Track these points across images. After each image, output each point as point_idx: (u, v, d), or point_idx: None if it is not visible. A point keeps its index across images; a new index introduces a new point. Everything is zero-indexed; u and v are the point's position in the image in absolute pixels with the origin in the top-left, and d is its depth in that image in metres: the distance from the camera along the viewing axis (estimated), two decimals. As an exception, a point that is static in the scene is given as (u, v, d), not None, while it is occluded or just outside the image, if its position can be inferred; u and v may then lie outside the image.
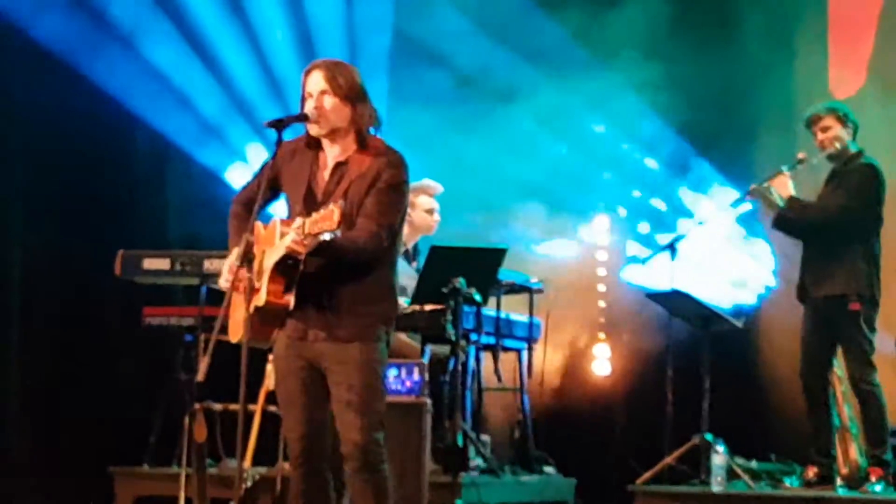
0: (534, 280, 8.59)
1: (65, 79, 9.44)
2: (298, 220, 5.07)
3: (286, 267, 5.19)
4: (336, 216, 4.87)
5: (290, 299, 5.23)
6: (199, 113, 10.12)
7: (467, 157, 9.87)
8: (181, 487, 7.22)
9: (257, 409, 6.83)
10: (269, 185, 5.41)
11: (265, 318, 5.27)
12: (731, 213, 8.99)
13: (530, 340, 8.69)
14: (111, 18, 9.75)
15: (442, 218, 8.44)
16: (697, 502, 7.89)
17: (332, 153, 5.39)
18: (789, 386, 8.75)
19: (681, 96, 9.83)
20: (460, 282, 7.57)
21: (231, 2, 10.27)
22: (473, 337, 8.05)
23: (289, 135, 5.40)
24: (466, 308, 7.75)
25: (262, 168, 5.47)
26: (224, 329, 5.23)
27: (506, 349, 8.55)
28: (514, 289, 8.46)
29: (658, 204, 10.47)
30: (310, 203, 5.29)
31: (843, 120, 7.98)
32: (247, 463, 6.79)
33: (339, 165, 5.35)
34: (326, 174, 5.37)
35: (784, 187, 8.06)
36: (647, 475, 8.18)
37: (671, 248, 8.55)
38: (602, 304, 10.61)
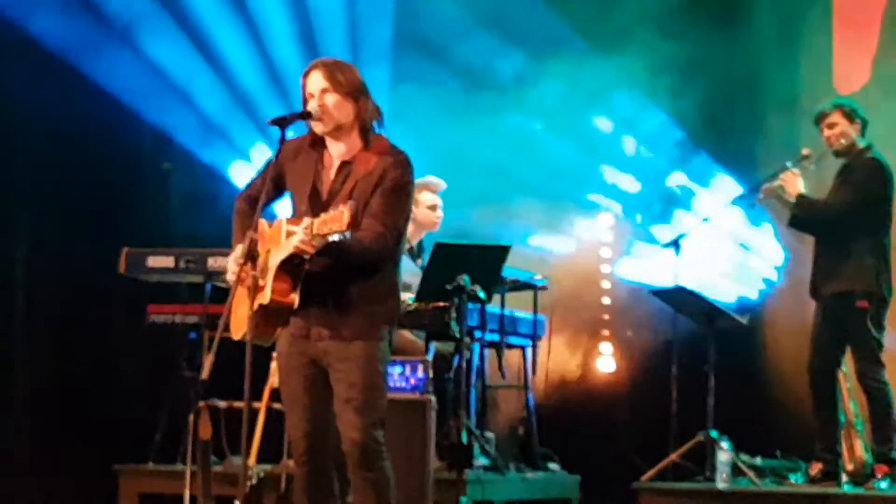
0: (538, 277, 8.58)
1: (66, 77, 9.43)
2: (307, 220, 5.06)
3: (292, 266, 5.19)
4: (346, 217, 4.87)
5: (295, 298, 5.22)
6: (201, 110, 10.11)
7: (468, 151, 9.84)
8: (186, 485, 7.21)
9: (262, 406, 6.82)
10: (273, 183, 5.42)
11: (269, 317, 5.27)
12: (737, 210, 9.00)
13: (535, 337, 8.69)
14: (112, 16, 9.74)
15: (444, 214, 8.43)
16: (702, 499, 7.89)
17: (336, 151, 5.38)
18: (794, 382, 8.76)
19: (683, 90, 9.82)
20: (464, 279, 7.56)
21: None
22: (478, 334, 8.04)
23: (290, 133, 5.40)
24: (471, 305, 7.74)
25: (266, 166, 5.47)
26: (226, 326, 5.23)
27: (510, 346, 8.55)
28: (519, 286, 8.46)
29: (661, 199, 10.45)
30: (315, 202, 5.29)
31: (850, 116, 7.98)
32: (251, 460, 6.78)
33: (344, 164, 5.35)
34: (332, 173, 5.36)
35: (793, 185, 8.06)
36: (651, 472, 8.18)
37: (675, 244, 8.56)
38: (606, 300, 10.61)
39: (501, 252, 8.01)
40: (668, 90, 9.94)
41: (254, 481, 6.72)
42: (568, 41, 10.15)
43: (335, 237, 4.98)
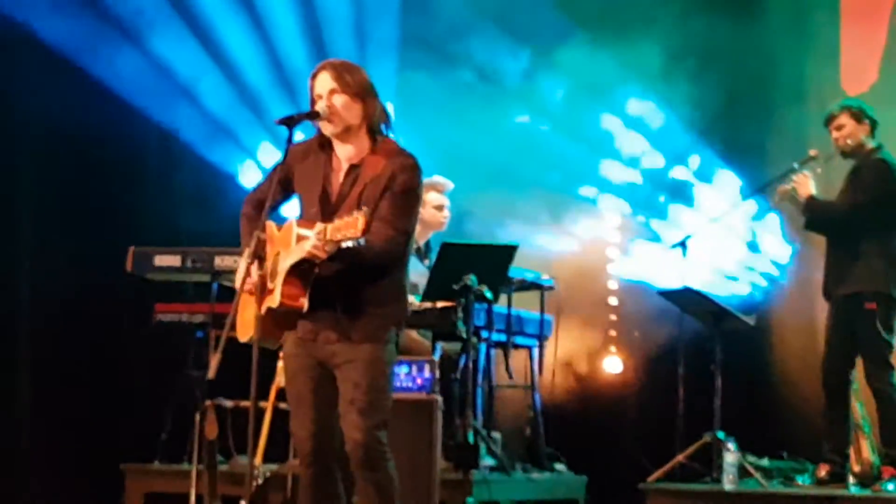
0: (545, 277, 8.57)
1: (72, 76, 9.43)
2: (319, 226, 5.05)
3: (302, 270, 5.18)
4: (361, 224, 4.86)
5: (305, 302, 5.22)
6: (208, 109, 10.11)
7: (473, 148, 9.82)
8: (192, 484, 7.20)
9: (268, 406, 6.82)
10: (280, 185, 5.42)
11: (277, 320, 5.27)
12: (743, 210, 8.99)
13: (541, 338, 8.68)
14: (117, 15, 9.73)
15: (453, 216, 8.42)
16: (709, 500, 7.88)
17: (344, 154, 5.37)
18: (801, 383, 8.76)
19: (690, 89, 9.81)
20: (471, 279, 7.56)
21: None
22: (484, 334, 8.04)
23: (298, 133, 5.39)
24: (477, 305, 7.74)
25: (274, 169, 5.46)
26: (234, 327, 5.22)
27: (517, 346, 8.54)
28: (525, 286, 8.45)
29: (667, 198, 10.44)
30: (325, 205, 5.29)
31: (858, 116, 7.97)
32: (258, 460, 6.77)
33: (352, 168, 5.35)
34: (341, 176, 5.36)
35: (805, 187, 8.05)
36: (658, 473, 8.17)
37: (682, 245, 8.55)
38: (613, 301, 10.60)
39: (508, 252, 8.00)
40: (674, 89, 9.94)
41: (260, 481, 6.72)
42: (574, 36, 10.13)
43: (349, 243, 4.97)
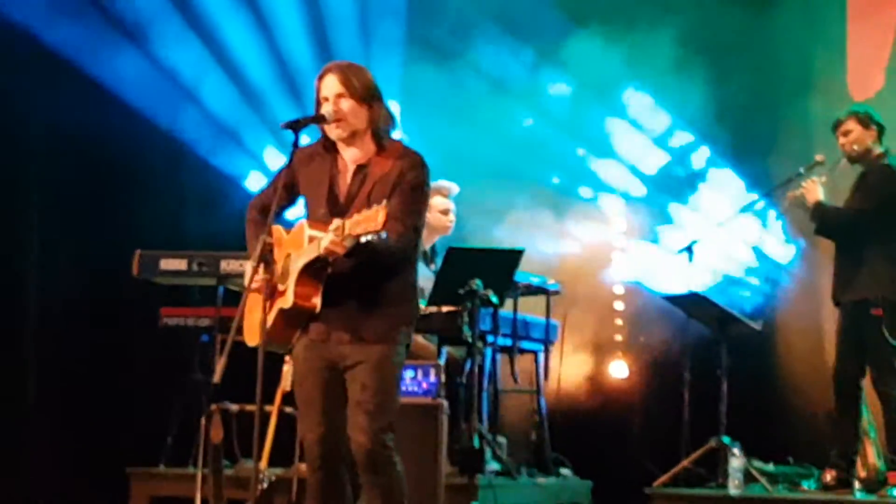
0: (551, 282, 8.57)
1: (78, 81, 9.45)
2: (337, 222, 5.04)
3: (315, 269, 5.19)
4: (381, 217, 4.84)
5: (318, 302, 5.22)
6: (213, 112, 10.12)
7: (476, 151, 9.80)
8: (197, 488, 7.20)
9: (274, 410, 6.82)
10: (286, 190, 5.43)
11: (290, 320, 5.28)
12: (748, 215, 8.99)
13: (547, 342, 8.67)
14: (122, 21, 9.74)
15: (457, 218, 8.41)
16: (714, 505, 7.89)
17: (350, 156, 5.38)
18: (807, 388, 8.75)
19: (694, 94, 9.80)
20: (477, 283, 7.56)
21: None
22: (490, 338, 8.03)
23: (303, 136, 5.39)
24: (483, 310, 7.74)
25: (278, 173, 5.46)
26: (240, 331, 5.22)
27: (522, 351, 8.53)
28: (531, 290, 8.44)
29: (673, 201, 10.44)
30: (333, 206, 5.29)
31: (865, 122, 7.96)
32: (263, 464, 6.78)
33: (360, 168, 5.35)
34: (348, 177, 5.36)
35: (813, 193, 8.04)
36: (663, 478, 8.17)
37: (689, 250, 8.55)
38: (619, 305, 10.59)
39: (514, 256, 8.00)
40: (677, 88, 9.94)
41: (265, 485, 6.73)
42: (577, 34, 10.14)
43: (368, 237, 4.95)
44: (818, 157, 8.19)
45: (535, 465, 8.48)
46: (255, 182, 10.28)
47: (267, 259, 5.20)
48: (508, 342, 8.28)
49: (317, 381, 5.34)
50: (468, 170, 9.00)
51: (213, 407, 6.93)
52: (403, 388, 6.76)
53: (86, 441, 9.25)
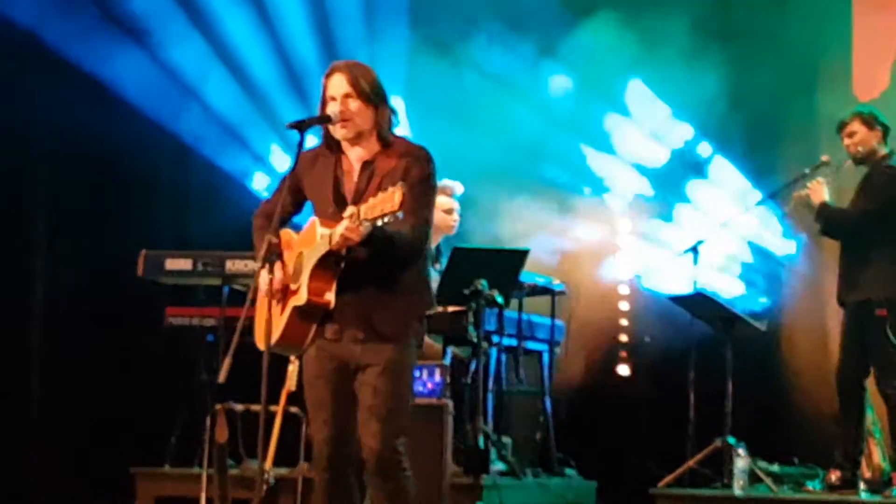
0: (556, 282, 8.57)
1: (84, 85, 9.46)
2: (351, 208, 5.01)
3: (328, 264, 5.17)
4: (398, 197, 4.80)
5: (331, 297, 5.20)
6: (218, 112, 10.12)
7: (478, 151, 9.79)
8: (202, 488, 7.22)
9: (279, 410, 6.82)
10: (292, 195, 5.44)
11: (304, 318, 5.25)
12: (753, 215, 9.00)
13: (552, 343, 8.68)
14: (128, 24, 9.75)
15: (462, 219, 8.41)
16: (719, 506, 7.89)
17: (355, 155, 5.37)
18: (811, 388, 8.74)
19: (699, 93, 9.80)
20: (482, 283, 7.56)
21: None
22: (495, 339, 8.04)
23: (309, 136, 5.39)
24: (488, 310, 7.74)
25: (283, 180, 5.45)
26: (245, 331, 5.21)
27: (528, 351, 8.54)
28: (537, 291, 8.45)
29: (676, 202, 10.44)
30: (341, 204, 5.27)
31: (870, 123, 7.96)
32: (268, 464, 6.79)
33: (366, 164, 5.34)
34: (355, 176, 5.35)
35: (818, 194, 8.04)
36: (668, 478, 8.17)
37: (694, 251, 8.56)
38: (624, 305, 10.59)
39: (520, 256, 8.00)
40: (683, 91, 9.95)
41: (270, 484, 6.73)
42: (579, 33, 10.16)
43: (386, 220, 4.88)
44: (824, 158, 8.19)
45: (540, 465, 8.49)
46: (259, 182, 10.29)
47: (272, 259, 5.20)
48: (513, 342, 8.30)
49: (327, 383, 5.32)
50: (469, 169, 9.00)
51: (218, 407, 6.94)
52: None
53: (91, 441, 9.25)
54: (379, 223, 4.92)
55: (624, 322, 10.58)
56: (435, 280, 7.88)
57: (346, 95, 5.29)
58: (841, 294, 8.03)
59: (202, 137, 10.07)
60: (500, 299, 7.67)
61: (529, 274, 8.26)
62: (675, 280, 9.35)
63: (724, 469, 8.09)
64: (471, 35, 10.28)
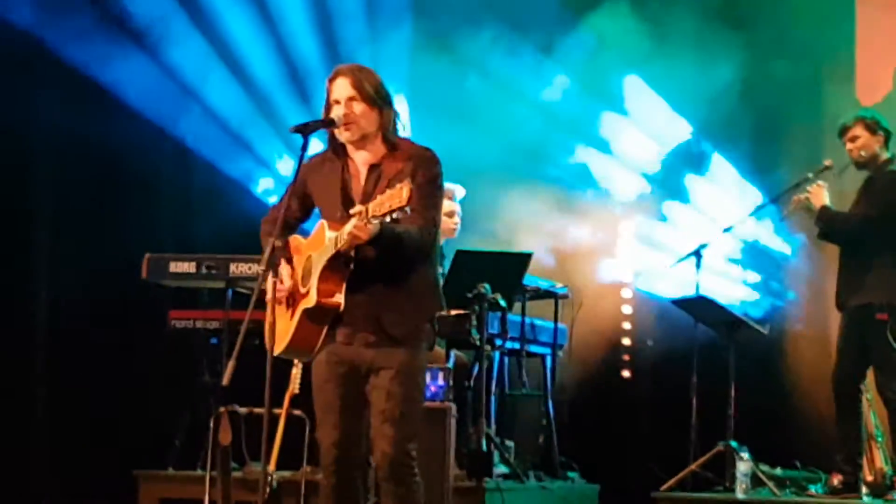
0: (559, 286, 8.58)
1: (87, 90, 9.47)
2: (359, 206, 5.02)
3: (337, 266, 5.17)
4: (406, 193, 4.80)
5: (341, 299, 5.20)
6: (222, 115, 10.12)
7: (480, 153, 9.80)
8: (206, 491, 7.21)
9: (282, 412, 6.83)
10: (299, 201, 5.47)
11: (314, 320, 5.25)
12: (755, 218, 9.01)
13: (555, 346, 8.68)
14: (131, 28, 9.76)
15: (464, 224, 8.42)
16: (722, 509, 7.90)
17: (361, 159, 5.38)
18: (814, 392, 8.75)
19: (703, 90, 9.81)
20: (485, 287, 7.57)
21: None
22: (498, 342, 8.04)
23: (312, 140, 5.40)
24: (491, 313, 7.74)
25: (290, 186, 5.44)
26: (249, 334, 5.21)
27: (530, 354, 8.55)
28: (540, 294, 8.46)
29: (677, 203, 10.44)
30: (349, 207, 5.26)
31: (873, 128, 7.96)
32: (271, 466, 6.79)
33: (373, 168, 5.35)
34: (362, 179, 5.35)
35: (819, 197, 8.05)
36: (671, 482, 8.18)
37: (697, 255, 8.56)
38: (627, 309, 10.59)
39: (522, 260, 8.01)
40: (685, 93, 9.96)
41: (273, 487, 6.73)
42: (579, 32, 10.17)
43: (394, 215, 4.88)
44: (827, 162, 8.20)
45: (543, 468, 8.48)
46: (263, 185, 10.30)
47: (276, 264, 5.21)
48: (516, 346, 8.30)
49: (337, 388, 5.31)
50: (469, 170, 9.01)
51: (222, 409, 6.94)
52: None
53: (94, 443, 9.26)
54: (387, 219, 4.92)
55: (626, 325, 10.59)
56: (438, 283, 7.90)
57: (350, 98, 5.29)
58: (840, 297, 8.03)
59: (206, 140, 10.07)
60: (503, 303, 7.68)
61: (532, 277, 8.27)
62: (677, 283, 9.35)
63: (726, 473, 8.09)
64: (473, 33, 10.26)
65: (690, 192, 10.35)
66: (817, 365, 8.95)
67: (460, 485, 7.29)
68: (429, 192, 5.25)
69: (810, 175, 8.16)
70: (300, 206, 5.50)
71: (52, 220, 9.63)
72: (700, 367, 8.50)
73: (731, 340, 8.43)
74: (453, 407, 7.18)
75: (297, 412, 6.71)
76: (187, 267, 8.48)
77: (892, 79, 9.73)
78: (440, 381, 7.26)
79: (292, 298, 5.28)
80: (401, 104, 5.59)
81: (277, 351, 5.31)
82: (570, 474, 8.63)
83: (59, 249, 9.59)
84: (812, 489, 8.16)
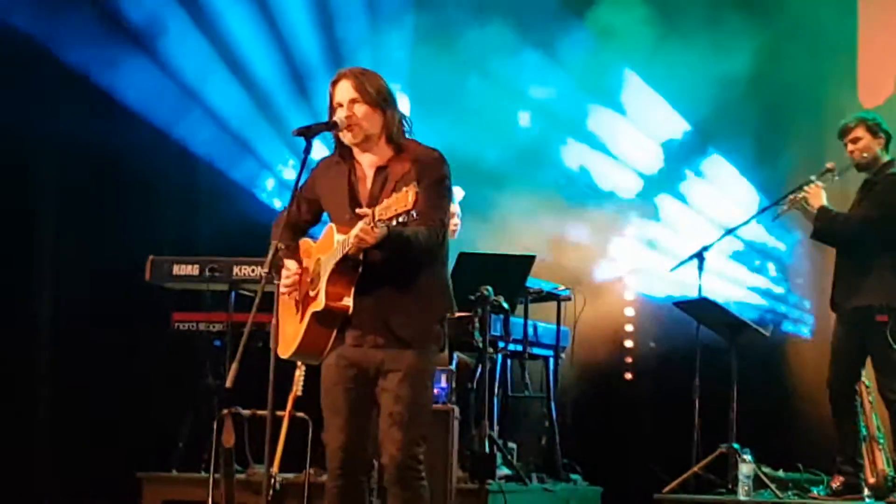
0: (562, 288, 8.58)
1: (90, 93, 9.49)
2: (366, 210, 5.02)
3: (346, 268, 5.18)
4: (411, 196, 4.80)
5: (350, 302, 5.20)
6: (226, 119, 10.13)
7: (481, 156, 9.79)
8: (209, 493, 7.22)
9: (285, 414, 6.84)
10: (308, 205, 5.49)
11: (323, 323, 5.26)
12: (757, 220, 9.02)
13: (557, 348, 8.69)
14: (133, 30, 9.77)
15: (464, 224, 8.42)
16: (724, 511, 7.90)
17: (367, 161, 5.39)
18: (816, 394, 8.73)
19: (704, 94, 9.81)
20: (488, 289, 7.58)
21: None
22: (501, 344, 8.05)
23: (315, 142, 5.40)
24: (494, 315, 7.75)
25: (299, 190, 5.44)
26: (253, 336, 5.23)
27: (533, 357, 8.56)
28: (542, 296, 8.47)
29: (678, 204, 10.45)
30: (356, 209, 5.28)
31: (874, 130, 7.97)
32: (274, 469, 6.80)
33: (380, 170, 5.35)
34: (368, 182, 5.36)
35: (816, 198, 8.05)
36: (673, 484, 8.17)
37: (699, 257, 8.56)
38: (629, 311, 10.60)
39: (525, 262, 8.01)
40: (686, 92, 9.96)
41: (277, 489, 6.74)
42: (579, 34, 10.18)
43: (401, 219, 4.89)
44: (829, 165, 8.20)
45: (546, 470, 8.50)
46: (266, 187, 10.30)
47: (279, 265, 5.23)
48: (519, 348, 8.31)
49: (345, 391, 5.30)
50: (470, 170, 9.02)
51: (225, 411, 6.95)
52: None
53: (98, 445, 9.27)
54: (394, 223, 4.93)
55: (629, 328, 10.59)
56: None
57: (353, 101, 5.30)
58: (836, 299, 8.04)
59: (209, 142, 10.08)
60: (505, 305, 7.69)
61: (535, 280, 8.27)
62: (678, 284, 9.35)
63: (728, 475, 8.09)
64: (474, 31, 10.26)
65: (690, 192, 10.35)
66: (820, 367, 8.93)
67: (463, 487, 7.30)
68: (436, 193, 5.25)
69: (812, 178, 8.16)
70: (309, 209, 5.51)
71: (54, 221, 9.65)
72: (702, 368, 8.50)
73: (734, 342, 8.43)
74: (456, 409, 7.20)
75: (300, 414, 6.72)
76: (191, 269, 8.49)
77: (894, 82, 9.73)
78: (443, 384, 7.28)
79: (302, 301, 5.28)
80: (402, 102, 5.59)
81: (286, 354, 5.32)
82: (573, 476, 8.64)
83: (62, 250, 9.61)
84: (814, 491, 8.17)
